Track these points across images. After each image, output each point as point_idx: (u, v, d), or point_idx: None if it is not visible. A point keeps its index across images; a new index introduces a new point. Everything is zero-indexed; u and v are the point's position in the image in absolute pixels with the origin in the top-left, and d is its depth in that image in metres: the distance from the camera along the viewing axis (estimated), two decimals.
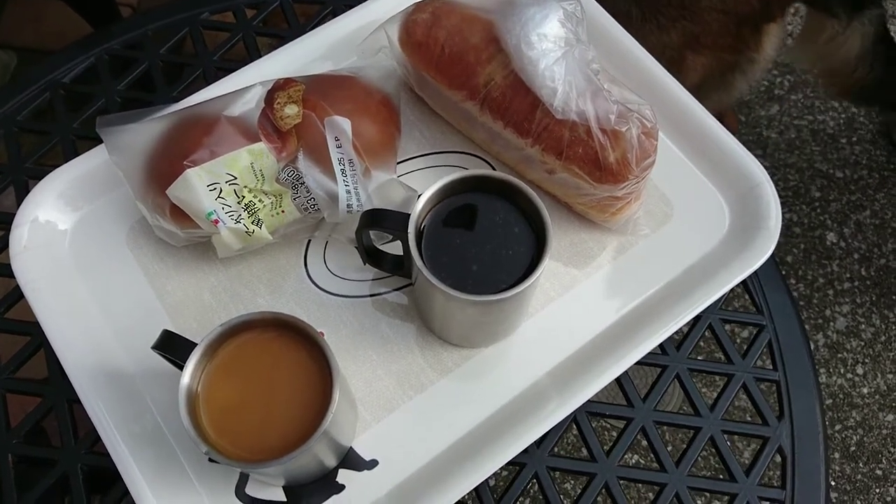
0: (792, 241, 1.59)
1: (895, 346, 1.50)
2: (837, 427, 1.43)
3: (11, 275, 0.59)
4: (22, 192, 0.66)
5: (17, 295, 0.61)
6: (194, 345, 0.45)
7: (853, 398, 1.45)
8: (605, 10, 0.97)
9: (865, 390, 1.46)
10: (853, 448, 1.41)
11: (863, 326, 1.52)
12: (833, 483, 1.39)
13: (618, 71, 0.63)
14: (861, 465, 1.40)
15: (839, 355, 1.49)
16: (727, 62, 1.04)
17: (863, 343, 1.50)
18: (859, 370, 1.48)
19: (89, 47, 0.73)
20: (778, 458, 0.59)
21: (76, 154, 0.63)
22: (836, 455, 1.41)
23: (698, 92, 1.08)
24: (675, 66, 1.01)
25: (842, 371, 1.48)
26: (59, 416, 0.58)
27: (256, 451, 0.44)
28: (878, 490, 1.38)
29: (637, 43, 0.67)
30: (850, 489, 1.38)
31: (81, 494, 0.55)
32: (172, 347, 0.47)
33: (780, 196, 0.61)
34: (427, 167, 0.65)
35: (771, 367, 0.61)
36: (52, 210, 0.60)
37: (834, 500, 1.37)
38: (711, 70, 1.05)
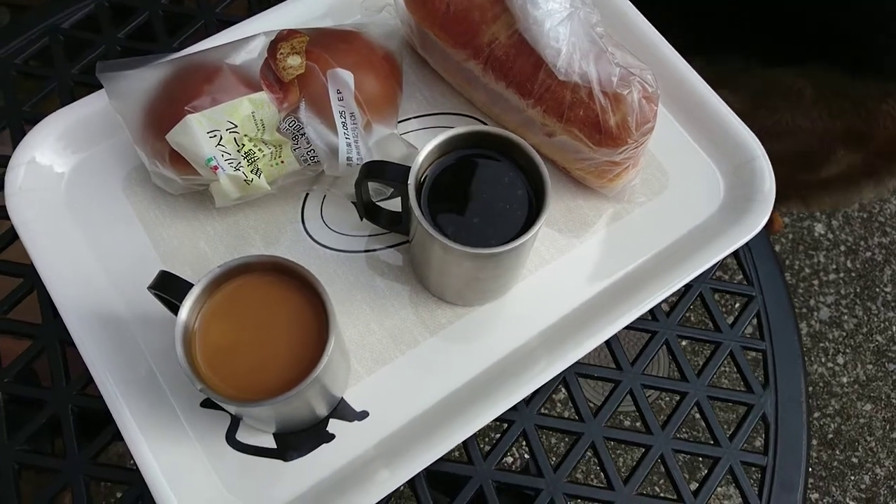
0: (780, 231, 1.60)
1: (876, 338, 1.52)
2: (816, 415, 1.45)
3: (6, 216, 0.58)
4: (18, 137, 0.66)
5: (10, 236, 0.61)
6: (191, 286, 0.46)
7: (833, 387, 1.48)
8: (772, 83, 0.91)
9: (845, 380, 1.48)
10: (831, 436, 1.44)
11: (845, 317, 1.54)
12: (809, 469, 1.41)
13: (620, 38, 0.63)
14: (838, 452, 1.42)
15: (821, 344, 1.51)
16: (873, 168, 0.99)
17: (845, 333, 1.52)
18: (840, 360, 1.50)
19: None
20: (761, 426, 0.60)
21: (73, 101, 0.62)
22: (814, 442, 1.44)
23: (823, 186, 1.03)
24: (821, 152, 0.98)
25: (823, 360, 1.50)
26: (51, 357, 0.58)
27: (250, 392, 0.45)
28: (853, 477, 1.40)
29: (639, 12, 0.68)
30: (826, 475, 1.40)
31: (72, 435, 0.55)
32: (169, 288, 0.47)
33: None
34: (427, 128, 0.65)
35: (758, 336, 0.62)
36: (49, 152, 0.60)
37: (809, 486, 1.40)
38: (853, 171, 1.00)
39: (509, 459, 1.30)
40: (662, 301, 0.58)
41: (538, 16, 0.54)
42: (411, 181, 0.49)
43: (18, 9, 1.61)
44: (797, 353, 0.62)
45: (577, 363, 0.56)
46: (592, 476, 1.32)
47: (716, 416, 0.59)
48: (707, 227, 0.62)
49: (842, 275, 1.57)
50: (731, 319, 0.62)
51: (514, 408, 0.55)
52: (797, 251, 1.59)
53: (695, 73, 0.66)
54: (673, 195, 0.63)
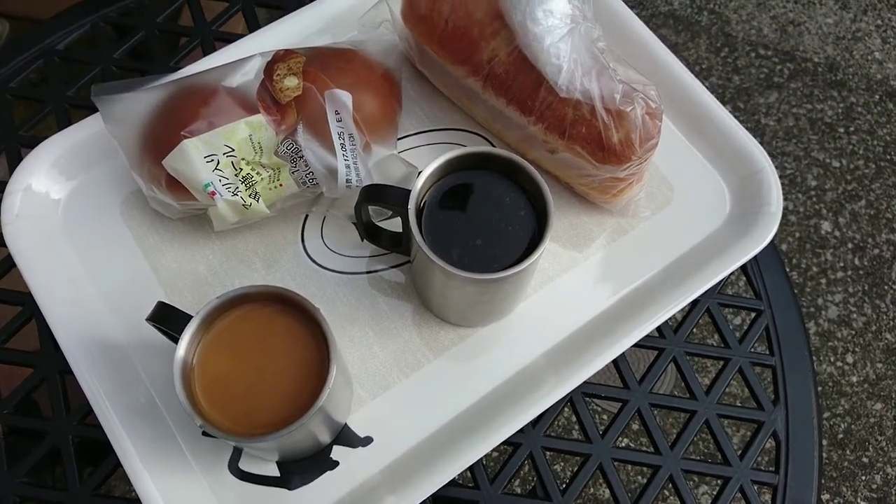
0: (787, 229, 1.59)
1: (885, 336, 1.50)
2: (826, 415, 1.44)
3: (2, 244, 0.58)
4: (15, 161, 0.65)
5: (8, 264, 0.60)
6: (189, 317, 0.45)
7: (842, 386, 1.46)
8: None
9: (855, 379, 1.47)
10: (841, 436, 1.42)
11: (854, 316, 1.52)
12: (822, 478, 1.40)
13: (622, 51, 0.62)
14: (848, 452, 1.41)
15: (830, 344, 1.50)
16: None
17: (853, 332, 1.51)
18: (849, 359, 1.49)
19: (85, 14, 0.72)
20: (772, 443, 0.59)
21: (70, 123, 0.62)
22: (824, 442, 1.42)
23: None
24: None
25: (832, 359, 1.49)
26: (51, 387, 0.57)
27: (251, 426, 0.44)
28: (864, 477, 1.39)
29: (643, 23, 0.67)
30: (837, 476, 1.39)
31: (73, 465, 0.55)
32: (167, 319, 0.46)
33: None
34: (427, 144, 0.64)
35: (767, 352, 0.61)
36: (45, 178, 0.59)
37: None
38: None
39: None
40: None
41: (538, 32, 0.53)
42: (411, 205, 0.48)
43: (18, 20, 1.60)
44: (808, 368, 0.61)
45: (584, 382, 0.55)
46: (599, 482, 1.31)
47: (721, 427, 0.58)
48: (714, 241, 0.61)
49: (850, 273, 1.56)
50: (737, 320, 0.61)
51: (521, 430, 0.54)
52: (804, 249, 1.58)
53: (699, 83, 0.65)
54: (678, 209, 0.62)
